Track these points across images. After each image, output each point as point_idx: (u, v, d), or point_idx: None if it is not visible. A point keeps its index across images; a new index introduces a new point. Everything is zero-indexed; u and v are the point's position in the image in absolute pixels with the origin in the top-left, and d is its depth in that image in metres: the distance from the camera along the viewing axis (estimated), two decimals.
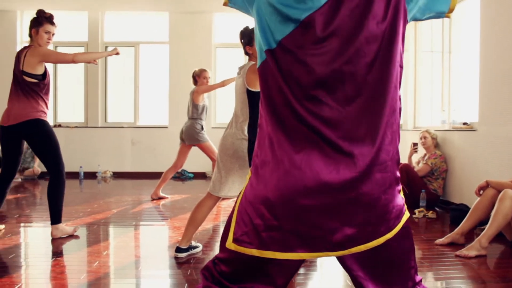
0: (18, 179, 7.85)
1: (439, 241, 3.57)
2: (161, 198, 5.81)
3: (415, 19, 1.40)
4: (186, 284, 2.69)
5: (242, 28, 3.23)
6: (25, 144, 7.81)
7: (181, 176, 8.37)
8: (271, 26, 1.30)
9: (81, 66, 8.51)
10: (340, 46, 1.24)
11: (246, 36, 3.15)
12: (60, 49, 8.72)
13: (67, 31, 8.79)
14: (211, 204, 3.23)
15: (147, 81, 8.90)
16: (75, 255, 3.34)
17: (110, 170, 8.47)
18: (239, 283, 1.38)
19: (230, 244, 1.35)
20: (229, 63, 8.96)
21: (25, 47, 3.69)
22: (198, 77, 5.69)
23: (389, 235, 1.32)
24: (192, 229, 3.24)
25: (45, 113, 3.71)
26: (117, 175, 8.43)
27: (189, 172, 8.42)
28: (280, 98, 1.29)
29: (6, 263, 3.07)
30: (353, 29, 1.24)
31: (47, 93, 3.72)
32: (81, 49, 8.63)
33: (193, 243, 3.34)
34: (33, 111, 3.62)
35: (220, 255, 1.43)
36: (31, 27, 3.69)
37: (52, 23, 3.72)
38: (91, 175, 8.23)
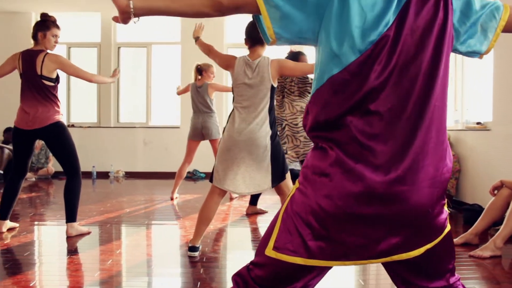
0: (32, 178, 7.95)
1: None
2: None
3: (455, 50, 1.38)
4: (199, 283, 2.70)
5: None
6: (38, 145, 7.89)
7: (192, 176, 8.40)
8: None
9: (94, 66, 8.58)
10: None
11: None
12: (73, 50, 8.81)
13: (80, 32, 8.89)
14: (218, 199, 3.24)
15: (159, 81, 8.95)
16: (89, 253, 3.37)
17: (123, 170, 8.53)
18: None
19: (270, 252, 1.35)
20: None
21: (36, 51, 3.71)
22: (205, 71, 5.69)
23: (429, 245, 1.35)
24: (203, 226, 3.25)
25: (62, 114, 3.82)
26: (130, 175, 8.48)
27: (200, 172, 8.45)
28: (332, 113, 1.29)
29: (21, 261, 3.12)
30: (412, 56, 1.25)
31: (57, 93, 3.82)
32: (94, 50, 8.70)
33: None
34: (55, 114, 3.73)
35: (256, 260, 1.43)
36: (37, 30, 3.75)
37: (58, 27, 3.82)
38: (104, 175, 8.29)
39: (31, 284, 2.66)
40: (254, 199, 4.88)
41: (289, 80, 4.50)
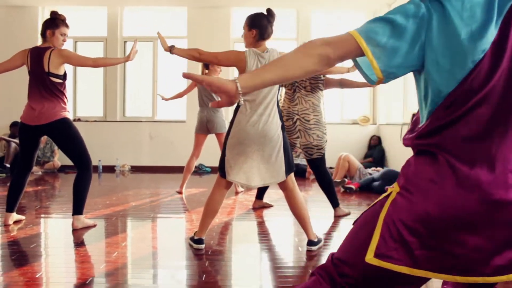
0: (38, 172, 7.99)
1: None
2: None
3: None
4: (204, 275, 2.70)
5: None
6: (43, 139, 7.92)
7: (198, 171, 8.40)
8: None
9: None
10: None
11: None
12: (80, 44, 8.83)
13: (86, 26, 8.90)
14: (224, 191, 3.25)
15: (165, 75, 8.96)
16: (95, 245, 3.38)
17: (128, 164, 8.55)
18: None
19: (371, 259, 1.30)
20: None
21: (44, 49, 3.72)
22: (212, 66, 5.70)
23: None
24: (209, 219, 3.25)
25: (68, 111, 3.83)
26: (135, 169, 8.50)
27: (206, 167, 8.46)
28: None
29: (27, 252, 3.13)
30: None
31: (65, 90, 3.83)
32: (100, 44, 8.71)
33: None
34: (61, 110, 3.74)
35: (345, 258, 1.39)
36: (46, 28, 3.77)
37: (67, 26, 3.85)
38: (110, 169, 8.31)
39: (37, 276, 2.67)
40: (261, 193, 4.86)
41: None
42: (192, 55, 3.17)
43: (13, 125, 8.40)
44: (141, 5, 8.73)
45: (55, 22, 3.76)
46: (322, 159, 4.42)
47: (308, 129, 4.35)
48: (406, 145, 1.37)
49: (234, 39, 8.75)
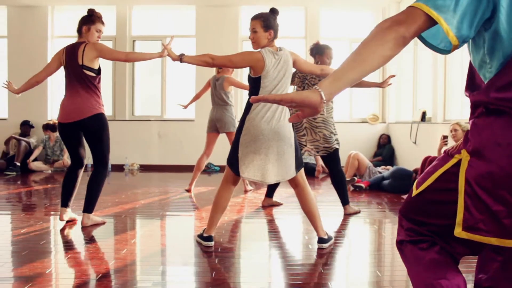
0: (48, 170, 8.03)
1: None
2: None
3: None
4: (213, 272, 2.69)
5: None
6: (52, 137, 7.95)
7: (207, 170, 8.40)
8: None
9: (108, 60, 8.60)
10: None
11: None
12: None
13: None
14: (232, 188, 3.25)
15: (174, 74, 8.97)
16: (104, 242, 3.38)
17: (137, 163, 8.57)
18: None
19: (460, 233, 1.28)
20: None
21: (78, 43, 3.75)
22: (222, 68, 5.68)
23: None
24: (218, 215, 3.25)
25: (103, 105, 3.81)
26: (144, 168, 8.52)
27: (215, 166, 8.45)
28: None
29: (38, 249, 3.13)
30: None
31: (99, 85, 3.81)
32: (109, 44, 8.73)
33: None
34: (97, 105, 3.73)
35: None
36: (82, 24, 3.80)
37: (103, 23, 3.88)
38: (119, 168, 8.34)
39: (47, 272, 2.67)
40: (271, 191, 4.84)
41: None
42: (205, 61, 3.17)
43: (23, 124, 8.45)
44: (149, 4, 8.74)
45: (91, 18, 3.81)
46: (336, 156, 4.40)
47: (314, 127, 4.34)
48: (474, 100, 1.29)
49: (243, 37, 8.73)
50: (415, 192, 1.44)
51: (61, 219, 3.82)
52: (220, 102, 5.60)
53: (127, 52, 3.84)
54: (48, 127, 8.19)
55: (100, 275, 2.62)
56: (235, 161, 3.15)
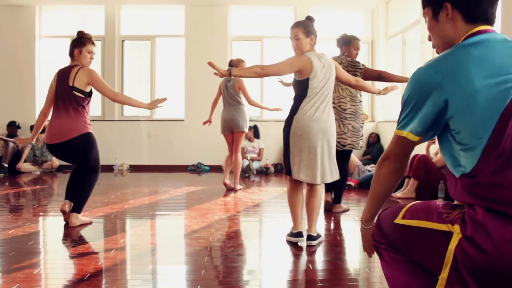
0: (36, 172, 7.96)
1: None
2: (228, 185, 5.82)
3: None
4: (203, 270, 2.68)
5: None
6: (43, 138, 7.89)
7: (197, 169, 8.39)
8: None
9: (98, 60, 8.54)
10: None
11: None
12: None
13: (83, 25, 8.87)
14: (301, 188, 3.32)
15: (163, 74, 8.94)
16: (93, 242, 3.36)
17: (127, 163, 8.53)
18: None
19: None
20: (245, 56, 8.92)
21: (71, 66, 3.78)
22: (235, 66, 5.82)
23: None
24: (296, 210, 3.30)
25: (89, 124, 3.80)
26: (134, 168, 8.48)
27: (205, 165, 8.44)
28: None
29: (26, 249, 3.10)
30: None
31: (88, 107, 3.82)
32: (98, 43, 8.64)
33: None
34: (83, 125, 3.71)
35: None
36: (73, 47, 3.81)
37: (94, 43, 3.88)
38: (108, 168, 8.28)
39: (35, 272, 2.65)
40: (337, 197, 4.47)
41: (338, 62, 4.28)
42: (255, 71, 3.18)
43: (10, 124, 8.37)
44: (138, 3, 8.71)
45: (81, 40, 3.81)
46: (349, 155, 4.41)
47: (343, 119, 4.23)
48: (459, 199, 1.37)
49: (232, 37, 8.73)
50: (400, 221, 1.48)
51: (60, 209, 3.82)
52: (232, 102, 5.70)
53: (116, 92, 3.85)
54: None
55: (89, 274, 2.61)
56: (288, 161, 3.23)
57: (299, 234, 3.24)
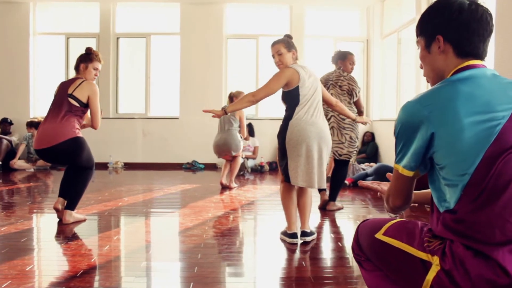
0: (30, 169, 7.93)
1: None
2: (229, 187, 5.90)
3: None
4: (196, 267, 2.68)
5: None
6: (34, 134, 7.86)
7: (192, 167, 8.38)
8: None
9: None
10: None
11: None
12: (72, 41, 8.74)
13: (79, 22, 8.84)
14: (294, 191, 3.34)
15: (158, 72, 8.92)
16: (86, 239, 3.35)
17: (121, 161, 8.51)
18: None
19: None
20: (240, 54, 8.94)
21: (75, 78, 3.83)
22: (236, 97, 5.93)
23: None
24: (290, 211, 3.31)
25: (78, 129, 3.80)
26: (128, 166, 8.46)
27: (199, 163, 8.43)
28: None
29: (19, 246, 3.09)
30: None
31: (81, 116, 3.83)
32: (92, 41, 8.63)
33: None
34: (72, 130, 3.71)
35: None
36: (80, 62, 3.89)
37: (100, 61, 3.96)
38: (103, 166, 8.27)
39: (27, 269, 2.64)
40: (333, 194, 4.51)
41: (337, 74, 4.45)
42: (248, 101, 3.24)
43: (2, 121, 8.33)
44: (134, 1, 8.68)
45: (89, 56, 3.89)
46: (348, 163, 4.51)
47: (342, 128, 4.36)
48: (440, 234, 1.37)
49: (228, 35, 8.73)
50: (381, 236, 1.50)
51: (54, 207, 3.83)
52: (227, 127, 5.82)
53: (98, 122, 3.86)
54: (32, 125, 8.08)
55: (82, 271, 2.60)
56: (286, 169, 3.24)
57: (293, 235, 3.25)
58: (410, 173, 1.39)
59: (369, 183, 1.84)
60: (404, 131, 1.37)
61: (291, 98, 3.25)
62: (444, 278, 1.30)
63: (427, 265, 1.34)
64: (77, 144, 3.72)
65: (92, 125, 3.86)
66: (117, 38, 8.78)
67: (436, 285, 1.31)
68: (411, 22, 7.04)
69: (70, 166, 3.88)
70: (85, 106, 3.79)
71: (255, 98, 3.21)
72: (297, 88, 3.22)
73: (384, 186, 1.77)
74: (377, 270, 1.55)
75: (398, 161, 1.40)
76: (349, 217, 4.26)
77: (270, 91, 3.24)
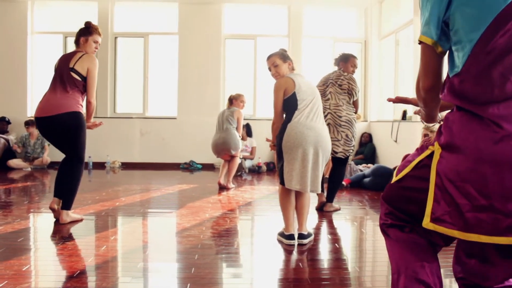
0: (27, 168, 7.91)
1: None
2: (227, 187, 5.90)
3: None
4: (193, 268, 2.68)
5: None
6: (35, 133, 7.85)
7: (189, 167, 8.37)
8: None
9: None
10: None
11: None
12: (70, 40, 8.71)
13: (77, 21, 8.80)
14: (292, 193, 3.35)
15: (156, 71, 8.91)
16: (83, 239, 3.35)
17: (119, 161, 8.50)
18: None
19: (428, 224, 1.35)
20: (238, 54, 8.93)
21: (75, 51, 3.85)
22: (236, 100, 6.01)
23: None
24: (287, 212, 3.32)
25: (82, 105, 3.84)
26: (126, 166, 8.45)
27: (197, 163, 8.43)
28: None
29: (15, 246, 3.09)
30: None
31: (84, 91, 3.83)
32: None
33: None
34: (75, 104, 3.74)
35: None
36: (80, 35, 3.91)
37: (100, 34, 3.98)
38: (100, 165, 8.26)
39: (24, 269, 2.63)
40: (330, 195, 4.52)
41: (338, 74, 4.48)
42: (276, 128, 3.34)
43: (0, 120, 8.31)
44: (132, 0, 8.67)
45: (89, 30, 3.92)
46: (346, 160, 4.50)
47: (338, 125, 4.36)
48: (446, 99, 1.39)
49: (226, 35, 8.72)
50: (394, 178, 1.53)
51: (50, 207, 3.82)
52: (225, 125, 5.86)
53: (93, 100, 3.84)
54: (29, 123, 8.08)
55: (79, 271, 2.60)
56: (281, 170, 3.27)
57: (291, 237, 3.25)
58: (428, 40, 1.37)
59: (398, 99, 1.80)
60: None
61: (290, 104, 3.29)
62: (446, 154, 1.32)
63: (432, 157, 1.38)
64: (79, 120, 3.73)
65: (87, 97, 3.81)
66: (115, 38, 8.77)
67: (441, 167, 1.33)
68: (409, 23, 7.05)
69: (63, 160, 3.83)
70: (86, 79, 3.79)
71: (275, 120, 3.34)
72: (294, 94, 3.27)
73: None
74: (399, 238, 1.54)
75: (421, 32, 1.40)
76: (346, 218, 4.27)
77: (278, 106, 3.32)
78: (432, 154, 1.38)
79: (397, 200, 1.54)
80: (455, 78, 1.34)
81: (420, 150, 1.48)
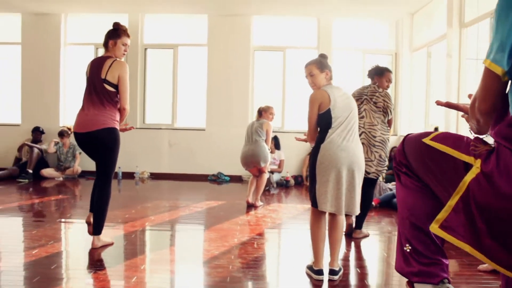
0: (59, 178, 8.09)
1: (483, 267, 3.43)
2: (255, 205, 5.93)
3: None
4: None
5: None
6: (67, 143, 8.00)
7: (217, 179, 8.41)
8: None
9: None
10: None
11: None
12: (101, 51, 8.84)
13: None
14: (324, 218, 3.28)
15: (185, 83, 8.99)
16: (114, 268, 3.39)
17: (148, 171, 8.61)
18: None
19: (435, 229, 1.41)
20: (267, 66, 8.92)
21: (105, 57, 3.80)
22: (265, 112, 6.01)
23: None
24: (318, 246, 3.25)
25: (117, 121, 3.83)
26: (155, 176, 8.55)
27: (225, 175, 8.46)
28: None
29: (49, 274, 3.15)
30: None
31: (118, 102, 3.82)
32: None
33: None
34: (111, 120, 3.74)
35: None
36: (108, 38, 3.83)
37: (128, 36, 3.89)
38: (129, 176, 8.39)
39: None
40: (359, 222, 4.43)
41: (372, 90, 4.38)
42: (311, 139, 3.29)
43: (34, 130, 8.53)
44: (161, 12, 8.76)
45: (117, 32, 3.82)
46: (375, 181, 4.39)
47: (372, 146, 4.26)
48: (494, 136, 1.39)
49: (255, 47, 8.72)
50: (428, 141, 1.57)
51: (86, 221, 3.88)
52: (255, 137, 5.86)
53: (127, 107, 3.84)
54: (64, 134, 8.27)
55: None
56: (314, 193, 3.19)
57: (320, 272, 3.20)
58: (497, 69, 1.29)
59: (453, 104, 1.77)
60: (499, 13, 1.29)
61: (324, 121, 3.19)
62: (483, 180, 1.32)
63: (468, 168, 1.37)
64: (115, 136, 3.75)
65: (121, 104, 3.78)
66: (145, 49, 8.88)
67: (474, 187, 1.33)
68: (443, 38, 6.90)
69: (97, 175, 3.88)
70: (117, 87, 3.76)
71: (309, 132, 3.25)
72: (328, 111, 3.15)
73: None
74: (410, 184, 1.60)
75: (487, 56, 1.32)
76: (376, 246, 4.20)
77: (313, 121, 3.23)
78: (469, 165, 1.39)
79: (417, 160, 1.58)
80: (510, 117, 1.30)
81: (465, 145, 1.46)
